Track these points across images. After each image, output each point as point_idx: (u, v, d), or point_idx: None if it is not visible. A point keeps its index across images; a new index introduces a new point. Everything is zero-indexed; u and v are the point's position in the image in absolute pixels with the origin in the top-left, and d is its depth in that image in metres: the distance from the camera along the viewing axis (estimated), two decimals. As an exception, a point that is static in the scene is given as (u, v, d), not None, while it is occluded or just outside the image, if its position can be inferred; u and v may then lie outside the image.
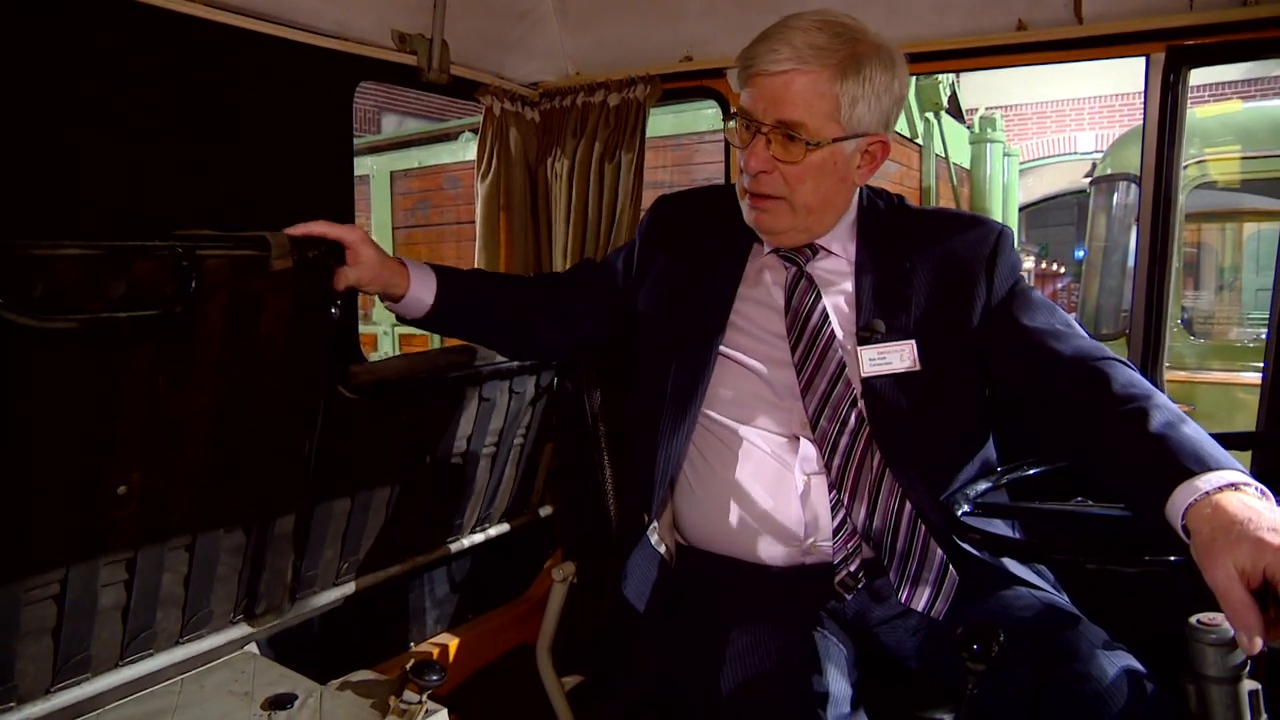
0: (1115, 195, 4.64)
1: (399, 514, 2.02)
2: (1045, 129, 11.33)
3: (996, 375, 1.48)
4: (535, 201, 2.55)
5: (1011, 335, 1.44)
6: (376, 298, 1.62)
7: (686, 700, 1.39)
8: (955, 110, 6.75)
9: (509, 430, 2.23)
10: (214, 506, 1.56)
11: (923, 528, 1.43)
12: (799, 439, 1.47)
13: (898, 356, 1.47)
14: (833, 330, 1.48)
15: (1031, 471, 1.42)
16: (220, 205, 1.79)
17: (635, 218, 2.34)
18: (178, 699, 1.57)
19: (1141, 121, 1.89)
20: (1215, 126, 4.37)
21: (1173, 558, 1.05)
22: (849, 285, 1.53)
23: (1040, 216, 11.14)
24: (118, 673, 1.54)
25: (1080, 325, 1.46)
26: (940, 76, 5.87)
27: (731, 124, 1.49)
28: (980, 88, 9.22)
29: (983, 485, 1.36)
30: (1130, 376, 1.27)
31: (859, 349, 1.47)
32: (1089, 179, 5.22)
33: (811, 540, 1.45)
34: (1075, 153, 10.89)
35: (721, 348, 1.54)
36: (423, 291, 1.60)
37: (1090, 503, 1.31)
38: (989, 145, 6.69)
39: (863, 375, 1.46)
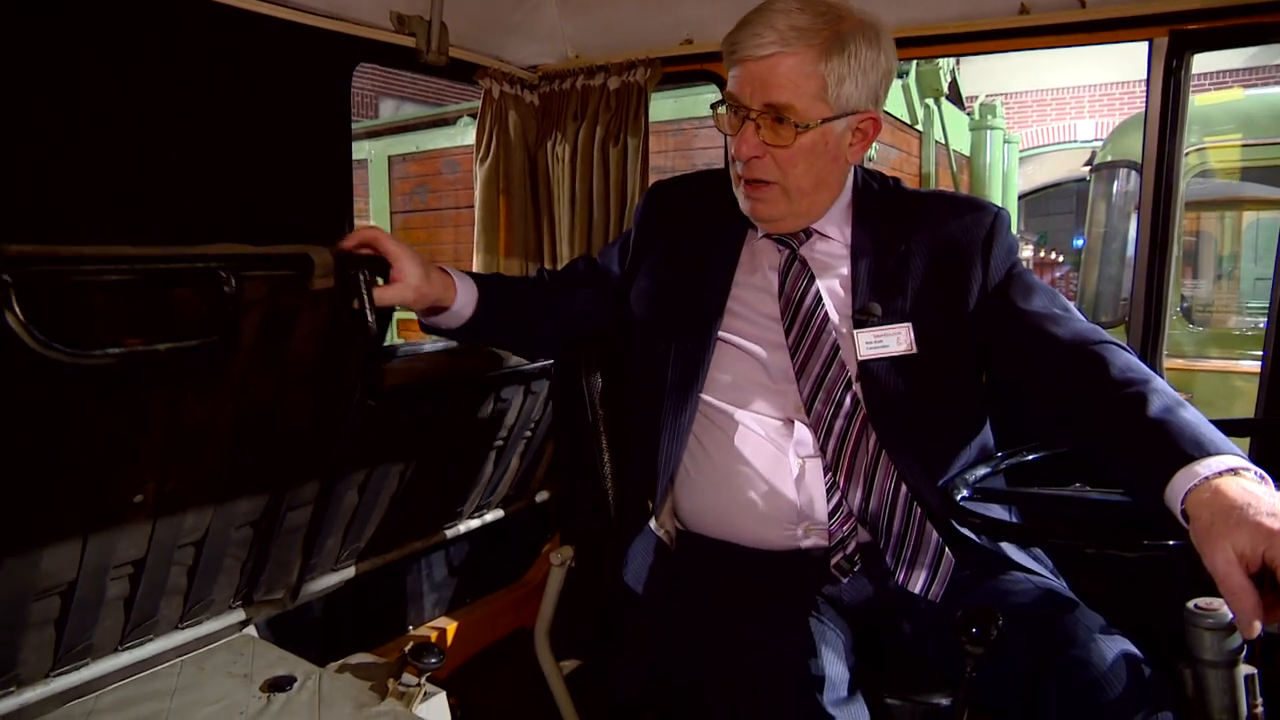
0: (1115, 182, 4.63)
1: (401, 501, 2.02)
2: (1045, 117, 11.29)
3: (994, 359, 1.48)
4: (535, 185, 2.53)
5: (1009, 318, 1.44)
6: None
7: (684, 684, 1.40)
8: (955, 97, 6.73)
9: (518, 424, 2.23)
10: (228, 507, 1.56)
11: (919, 511, 1.43)
12: (794, 422, 1.47)
13: (894, 340, 1.46)
14: (826, 313, 1.48)
15: (1031, 457, 1.43)
16: (216, 189, 1.78)
17: (642, 201, 2.34)
18: (177, 680, 1.57)
19: (1143, 109, 1.89)
20: (1216, 114, 4.36)
21: (1171, 542, 1.05)
22: (845, 269, 1.52)
23: (1039, 205, 11.12)
24: (117, 656, 1.55)
25: (1080, 310, 1.46)
26: (941, 62, 5.85)
27: (721, 110, 1.48)
28: (980, 75, 9.18)
29: (982, 470, 1.37)
30: (1128, 361, 1.27)
31: (855, 332, 1.47)
32: (1089, 167, 5.21)
33: (807, 523, 1.45)
34: (1075, 141, 10.85)
35: (720, 333, 1.54)
36: (465, 304, 1.56)
37: (1088, 488, 1.31)
38: (989, 132, 6.66)
39: (859, 358, 1.45)
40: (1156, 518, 1.08)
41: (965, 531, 1.41)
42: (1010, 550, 1.44)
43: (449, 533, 2.25)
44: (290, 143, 1.93)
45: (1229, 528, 0.95)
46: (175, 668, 1.61)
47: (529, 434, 2.31)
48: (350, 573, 1.98)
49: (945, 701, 1.32)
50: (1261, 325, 4.51)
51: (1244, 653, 1.04)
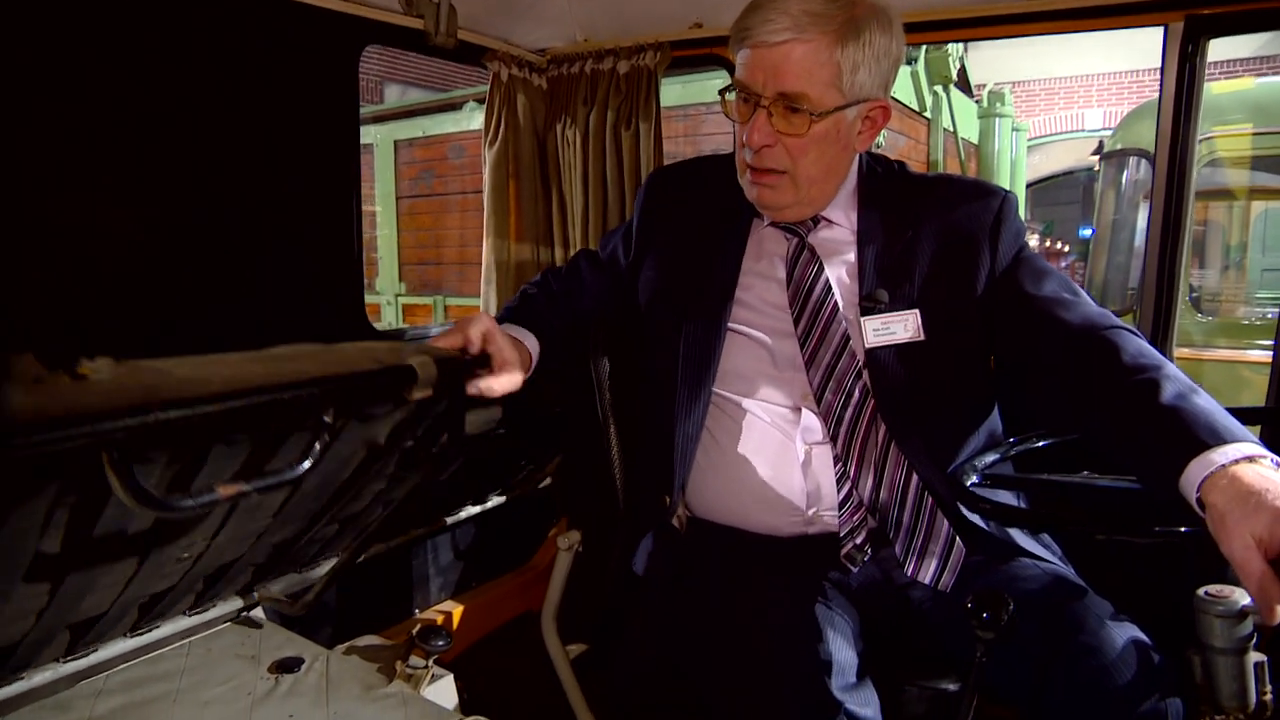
0: (1126, 171, 4.61)
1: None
2: (1053, 105, 11.23)
3: (1003, 344, 1.47)
4: (545, 169, 2.53)
5: (1018, 303, 1.43)
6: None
7: (691, 669, 1.40)
8: (964, 84, 6.70)
9: (525, 407, 2.22)
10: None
11: (929, 500, 1.43)
12: (801, 410, 1.46)
13: (901, 326, 1.45)
14: (836, 302, 1.47)
15: (1041, 443, 1.42)
16: (225, 172, 1.77)
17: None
18: (185, 661, 1.57)
19: (1155, 97, 1.87)
20: (1227, 102, 4.32)
21: (1183, 529, 1.05)
22: (851, 255, 1.51)
23: (1045, 195, 11.07)
24: (125, 641, 1.55)
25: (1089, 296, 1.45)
26: (950, 49, 5.81)
27: (730, 96, 1.45)
28: (988, 63, 9.13)
29: (991, 457, 1.36)
30: (1140, 346, 1.26)
31: (862, 319, 1.46)
32: (1097, 156, 5.18)
33: (814, 510, 1.45)
34: (1083, 130, 10.79)
35: (729, 324, 1.53)
36: (533, 348, 1.53)
37: (1096, 476, 1.30)
38: (997, 120, 6.64)
39: (866, 346, 1.44)
40: (1167, 505, 1.08)
41: (974, 519, 1.41)
42: (1019, 538, 1.43)
43: (458, 516, 2.25)
44: (298, 124, 1.92)
45: (1247, 514, 0.95)
46: (183, 649, 1.61)
47: (536, 418, 2.30)
48: (358, 556, 1.98)
49: (953, 687, 1.32)
50: (1270, 315, 4.49)
51: (1254, 640, 1.03)
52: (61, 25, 1.51)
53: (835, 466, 1.44)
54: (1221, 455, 1.02)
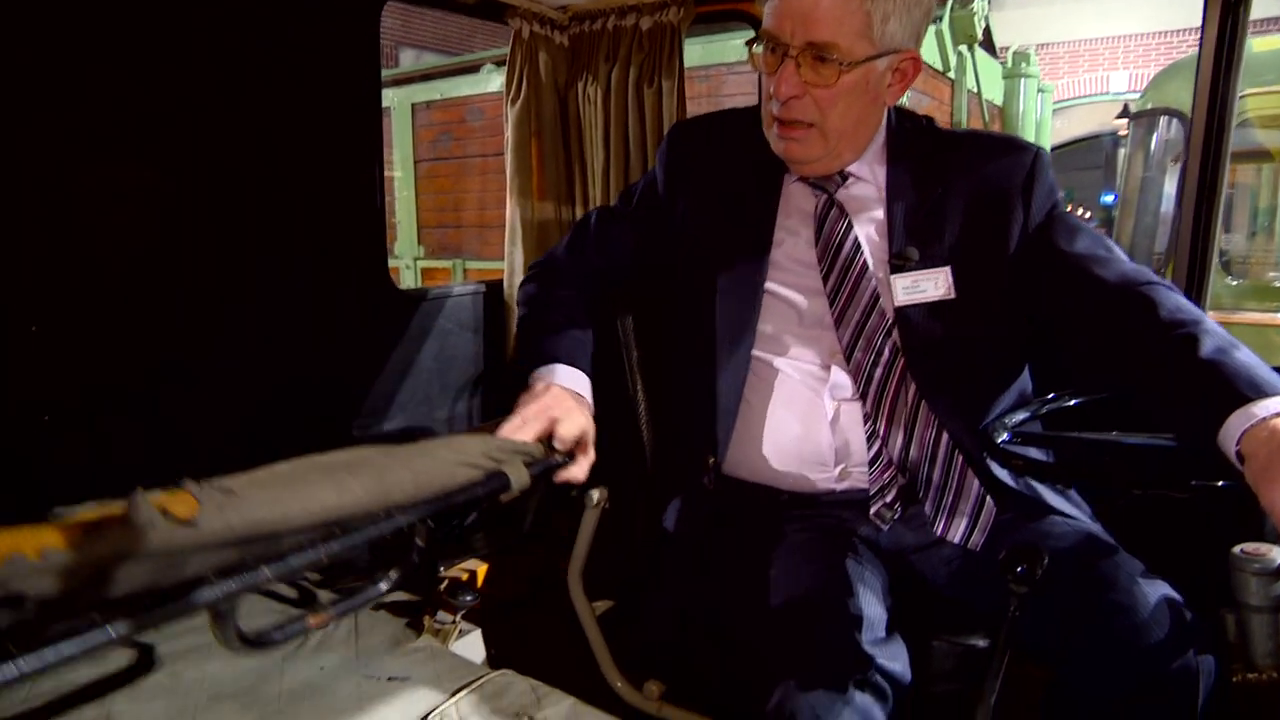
0: (1156, 131, 4.51)
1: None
2: (1077, 68, 11.03)
3: (1037, 302, 1.45)
4: (566, 127, 2.51)
5: (1052, 261, 1.41)
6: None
7: (720, 625, 1.41)
8: (989, 44, 6.58)
9: None
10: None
11: (959, 458, 1.42)
12: (830, 367, 1.45)
13: (932, 284, 1.44)
14: (865, 259, 1.45)
15: (1072, 402, 1.41)
16: (247, 132, 1.76)
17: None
18: (217, 614, 1.60)
19: (1183, 59, 1.82)
20: (1257, 62, 4.22)
21: (1220, 483, 1.04)
22: (880, 212, 1.49)
23: (1066, 159, 10.84)
24: None
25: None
26: (975, 8, 5.70)
27: (757, 48, 1.42)
28: (1013, 24, 8.98)
29: (1021, 415, 1.35)
30: (1178, 301, 1.25)
31: (892, 277, 1.44)
32: (1125, 118, 5.09)
33: (843, 467, 1.45)
34: (1107, 93, 10.61)
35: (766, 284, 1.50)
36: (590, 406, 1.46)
37: (1127, 434, 1.29)
38: (1022, 80, 6.52)
39: (896, 304, 1.43)
40: (1199, 461, 1.07)
41: (1004, 477, 1.40)
42: (1049, 496, 1.43)
43: None
44: (319, 85, 1.91)
45: None
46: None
47: None
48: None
49: (983, 643, 1.33)
50: (1300, 279, 4.43)
51: (1290, 597, 1.03)
52: None
53: (865, 424, 1.44)
54: (1262, 409, 1.02)
